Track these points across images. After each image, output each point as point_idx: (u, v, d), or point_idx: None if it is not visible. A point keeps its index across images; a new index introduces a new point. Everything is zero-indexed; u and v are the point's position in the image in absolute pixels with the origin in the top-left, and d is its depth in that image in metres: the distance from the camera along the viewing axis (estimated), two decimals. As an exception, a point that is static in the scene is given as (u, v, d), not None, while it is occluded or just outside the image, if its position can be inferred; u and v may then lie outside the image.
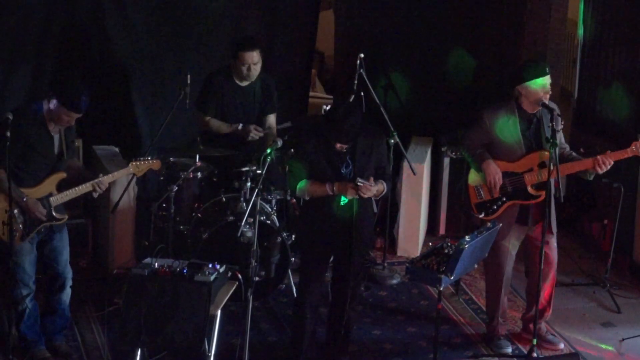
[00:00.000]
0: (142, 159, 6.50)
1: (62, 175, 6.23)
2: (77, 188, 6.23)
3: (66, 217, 6.34)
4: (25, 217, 6.13)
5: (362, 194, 6.07)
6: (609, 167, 6.45)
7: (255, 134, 7.37)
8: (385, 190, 6.23)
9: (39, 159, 6.14)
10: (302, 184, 6.17)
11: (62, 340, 6.59)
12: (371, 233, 6.55)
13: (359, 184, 6.02)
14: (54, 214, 6.22)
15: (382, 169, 6.28)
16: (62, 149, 6.24)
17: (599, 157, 6.42)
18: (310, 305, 6.36)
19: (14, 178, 6.03)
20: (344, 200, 6.14)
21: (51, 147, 6.18)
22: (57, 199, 6.21)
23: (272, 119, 7.57)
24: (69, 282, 6.47)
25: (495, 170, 6.54)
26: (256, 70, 7.36)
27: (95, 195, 6.29)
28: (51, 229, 6.29)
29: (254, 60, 7.31)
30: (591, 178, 6.60)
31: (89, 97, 6.08)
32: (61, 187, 6.24)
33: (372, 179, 6.09)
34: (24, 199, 6.08)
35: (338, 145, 6.06)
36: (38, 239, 6.27)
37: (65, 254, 6.43)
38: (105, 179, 6.27)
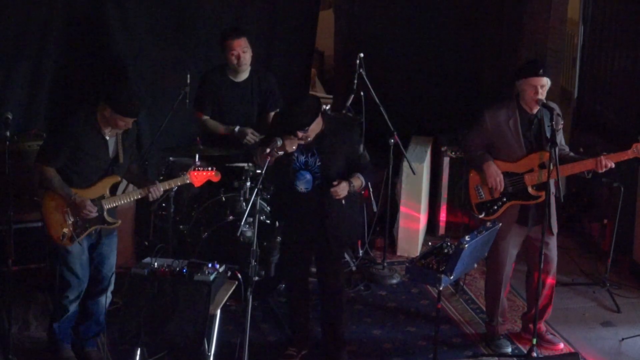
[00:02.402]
0: (201, 168, 6.43)
1: (116, 179, 6.19)
2: (130, 193, 6.22)
3: (119, 222, 6.29)
4: (76, 219, 6.10)
5: (336, 196, 6.11)
6: (608, 167, 6.46)
7: (251, 137, 7.30)
8: (363, 183, 6.23)
9: (90, 161, 6.09)
10: None
11: (94, 346, 6.53)
12: (351, 229, 6.53)
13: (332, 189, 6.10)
14: (106, 217, 6.19)
15: (357, 160, 6.28)
16: (117, 153, 6.18)
17: (601, 158, 6.41)
18: (294, 293, 6.56)
19: (65, 178, 6.04)
20: (302, 184, 6.20)
21: (105, 150, 6.13)
22: (109, 202, 6.16)
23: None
24: (111, 287, 6.40)
25: (496, 172, 6.53)
26: (246, 59, 7.28)
27: (151, 199, 6.26)
28: (100, 233, 6.25)
29: (242, 47, 7.25)
30: (589, 176, 6.59)
31: (139, 99, 6.10)
32: (115, 190, 6.19)
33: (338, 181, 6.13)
34: (72, 197, 6.04)
35: (299, 134, 6.06)
36: (88, 243, 6.23)
37: (112, 259, 6.38)
38: (160, 185, 6.23)
